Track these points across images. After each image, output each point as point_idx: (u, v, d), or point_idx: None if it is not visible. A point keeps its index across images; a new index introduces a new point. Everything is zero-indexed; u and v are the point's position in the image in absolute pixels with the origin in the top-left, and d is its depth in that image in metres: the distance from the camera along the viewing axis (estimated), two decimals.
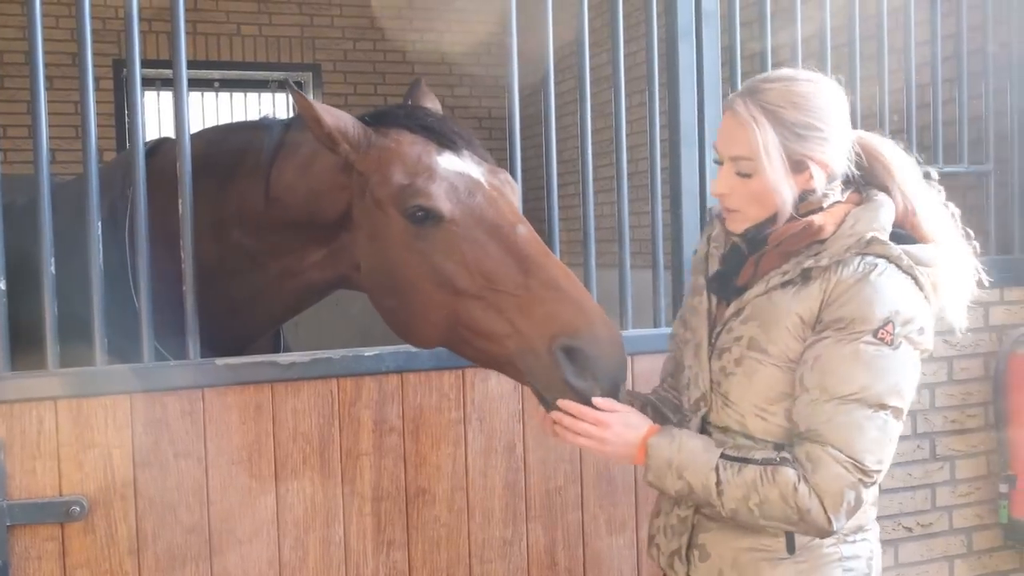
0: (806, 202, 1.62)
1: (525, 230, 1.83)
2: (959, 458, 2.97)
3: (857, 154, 1.67)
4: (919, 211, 1.68)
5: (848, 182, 1.67)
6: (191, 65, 2.45)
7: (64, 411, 1.96)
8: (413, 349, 2.21)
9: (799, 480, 1.50)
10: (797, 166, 1.60)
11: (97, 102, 2.14)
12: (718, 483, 1.55)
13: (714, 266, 1.76)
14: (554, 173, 2.45)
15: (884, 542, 2.86)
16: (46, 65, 2.02)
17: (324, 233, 2.03)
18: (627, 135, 2.56)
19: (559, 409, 1.67)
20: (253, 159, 2.14)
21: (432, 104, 2.25)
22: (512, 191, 1.94)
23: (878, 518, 2.78)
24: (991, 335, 3.00)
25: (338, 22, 6.96)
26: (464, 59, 6.98)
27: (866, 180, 1.69)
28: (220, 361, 2.08)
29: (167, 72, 2.20)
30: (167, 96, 6.60)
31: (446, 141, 1.92)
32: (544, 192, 2.48)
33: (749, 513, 1.54)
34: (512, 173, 2.44)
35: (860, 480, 1.50)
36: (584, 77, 2.49)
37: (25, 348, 2.00)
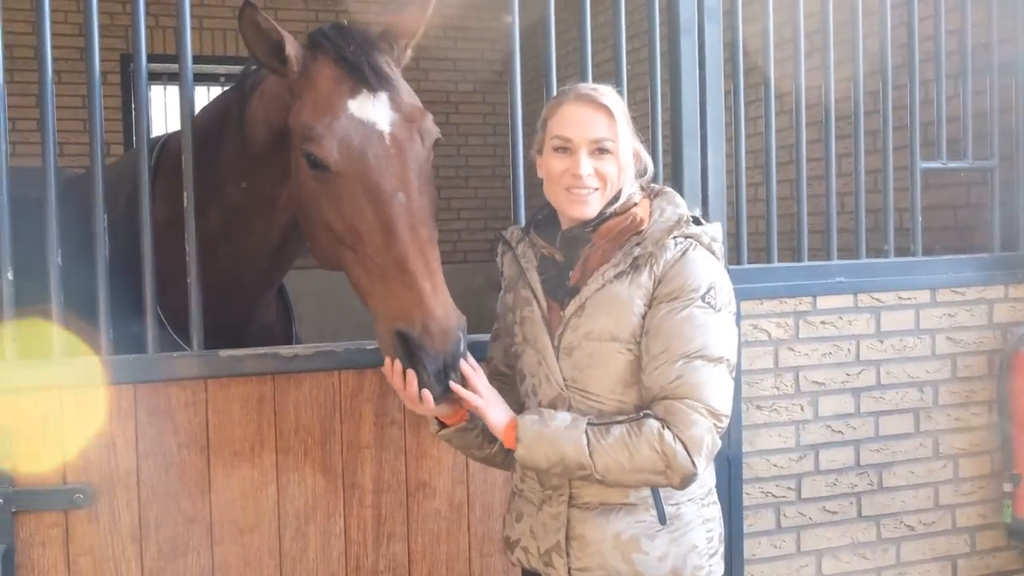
0: (623, 202, 1.80)
1: (404, 199, 1.84)
2: (962, 457, 2.96)
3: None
4: None
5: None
6: (197, 60, 2.47)
7: (70, 400, 1.99)
8: None
9: (663, 427, 1.65)
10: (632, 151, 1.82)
11: (104, 96, 2.16)
12: (589, 444, 1.67)
13: (535, 277, 1.86)
14: None
15: (886, 540, 2.88)
16: (54, 59, 2.05)
17: (284, 165, 2.04)
18: None
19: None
20: (235, 112, 2.20)
21: (414, 24, 2.14)
22: (423, 141, 1.92)
23: (880, 516, 2.84)
24: (995, 333, 2.99)
25: (344, 17, 6.97)
26: (468, 53, 6.99)
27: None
28: (223, 352, 2.10)
29: (173, 67, 2.22)
30: (173, 91, 6.63)
31: (363, 80, 1.91)
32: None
33: (620, 468, 1.66)
34: (514, 171, 2.46)
35: (715, 424, 1.67)
36: (586, 73, 2.49)
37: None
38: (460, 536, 2.28)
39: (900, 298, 2.88)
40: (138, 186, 2.11)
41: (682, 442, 1.64)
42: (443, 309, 1.76)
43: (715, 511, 1.84)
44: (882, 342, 2.86)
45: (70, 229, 2.09)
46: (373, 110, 1.89)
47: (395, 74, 1.99)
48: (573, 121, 1.78)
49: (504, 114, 7.19)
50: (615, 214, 1.80)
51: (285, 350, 2.16)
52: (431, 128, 1.95)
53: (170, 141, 2.44)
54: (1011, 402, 2.92)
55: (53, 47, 2.03)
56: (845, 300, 2.82)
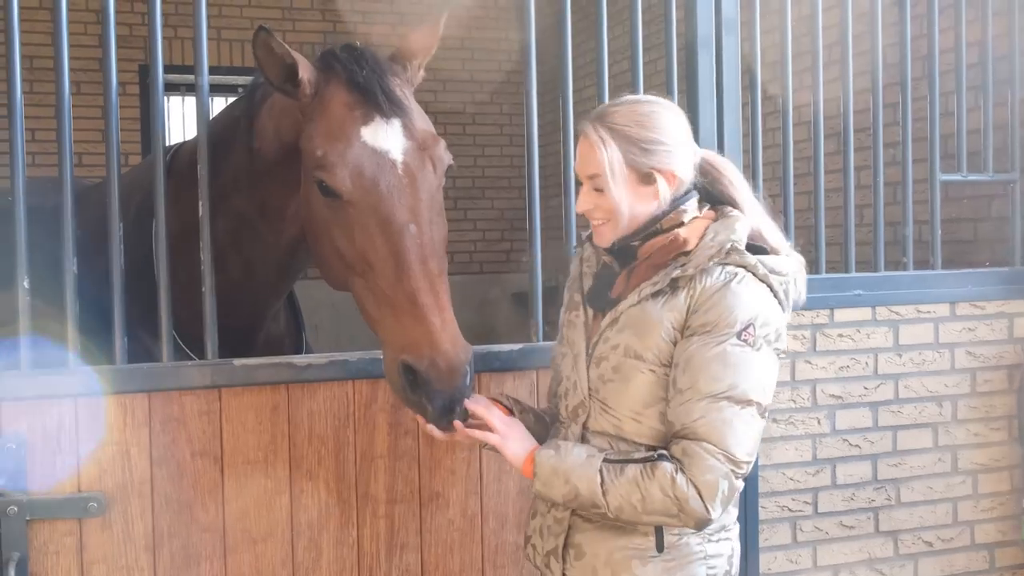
0: (669, 217, 1.75)
1: (416, 230, 1.84)
2: (981, 472, 2.93)
3: (706, 170, 1.80)
4: (760, 224, 1.80)
5: (704, 199, 1.81)
6: (215, 71, 2.50)
7: (84, 409, 1.99)
8: None
9: (676, 471, 1.61)
10: (646, 178, 1.73)
11: (122, 107, 2.18)
12: (602, 484, 1.64)
13: (588, 283, 1.86)
14: (571, 183, 2.45)
15: (904, 556, 2.84)
16: (73, 70, 2.06)
17: (293, 177, 2.04)
18: None
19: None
20: (244, 124, 2.20)
21: (427, 43, 2.12)
22: (435, 169, 1.92)
23: (898, 531, 2.80)
24: (1015, 347, 2.96)
25: (361, 28, 7.02)
26: (485, 65, 7.02)
27: (717, 198, 1.82)
28: (237, 362, 2.11)
29: (191, 78, 2.24)
30: (192, 101, 6.69)
31: (376, 106, 1.90)
32: (562, 201, 2.48)
33: (633, 510, 1.63)
34: (530, 182, 2.45)
35: (732, 471, 1.61)
36: (602, 85, 2.49)
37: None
38: (473, 547, 2.27)
39: (919, 311, 2.85)
40: (154, 196, 2.12)
41: (696, 487, 1.59)
42: (451, 344, 1.76)
43: (724, 548, 1.76)
44: (900, 356, 2.83)
45: (77, 238, 2.09)
46: (386, 138, 1.88)
47: (408, 98, 1.98)
48: (577, 156, 1.80)
49: (521, 125, 7.22)
50: (660, 231, 1.75)
51: (299, 359, 2.16)
52: (443, 156, 1.95)
53: (180, 151, 2.45)
54: None
55: (71, 58, 2.05)
56: (863, 313, 2.80)
